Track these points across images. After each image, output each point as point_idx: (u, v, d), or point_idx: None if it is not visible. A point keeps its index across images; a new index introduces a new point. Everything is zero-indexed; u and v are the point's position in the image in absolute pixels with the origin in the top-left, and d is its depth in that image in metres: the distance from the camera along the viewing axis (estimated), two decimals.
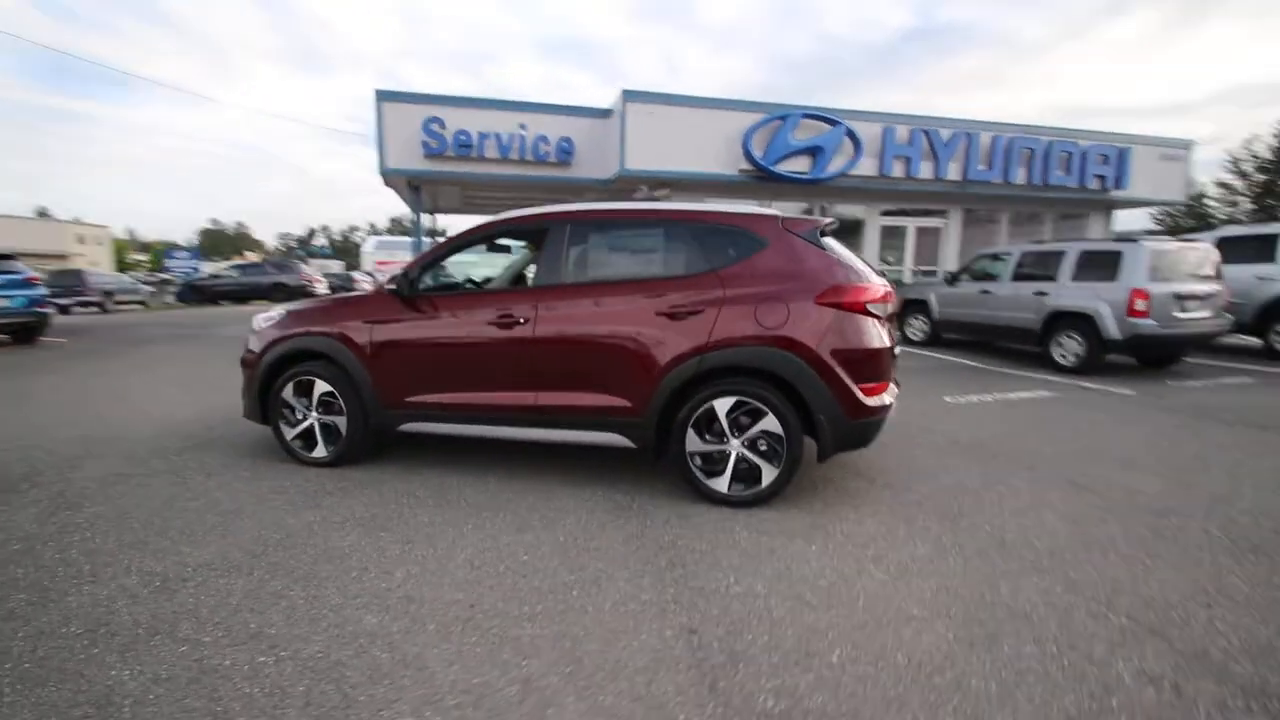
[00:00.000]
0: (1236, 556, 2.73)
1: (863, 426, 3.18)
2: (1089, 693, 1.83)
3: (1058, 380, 7.17)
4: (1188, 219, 32.17)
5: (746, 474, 3.25)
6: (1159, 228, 32.78)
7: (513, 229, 3.88)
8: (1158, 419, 5.34)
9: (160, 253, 49.40)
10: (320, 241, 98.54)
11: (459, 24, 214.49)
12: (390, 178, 12.50)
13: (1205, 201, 34.07)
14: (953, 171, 13.33)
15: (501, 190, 14.08)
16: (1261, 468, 3.99)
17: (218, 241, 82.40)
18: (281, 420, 3.95)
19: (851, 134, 12.48)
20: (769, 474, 3.20)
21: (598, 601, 2.33)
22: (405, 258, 61.06)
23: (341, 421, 3.84)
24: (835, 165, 12.53)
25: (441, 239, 4.57)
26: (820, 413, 3.11)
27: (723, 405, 3.20)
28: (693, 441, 3.28)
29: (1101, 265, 7.60)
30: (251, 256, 54.03)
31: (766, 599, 2.35)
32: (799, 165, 12.44)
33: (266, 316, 4.11)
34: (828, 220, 3.44)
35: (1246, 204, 37.26)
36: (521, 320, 3.47)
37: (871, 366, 3.17)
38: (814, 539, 2.88)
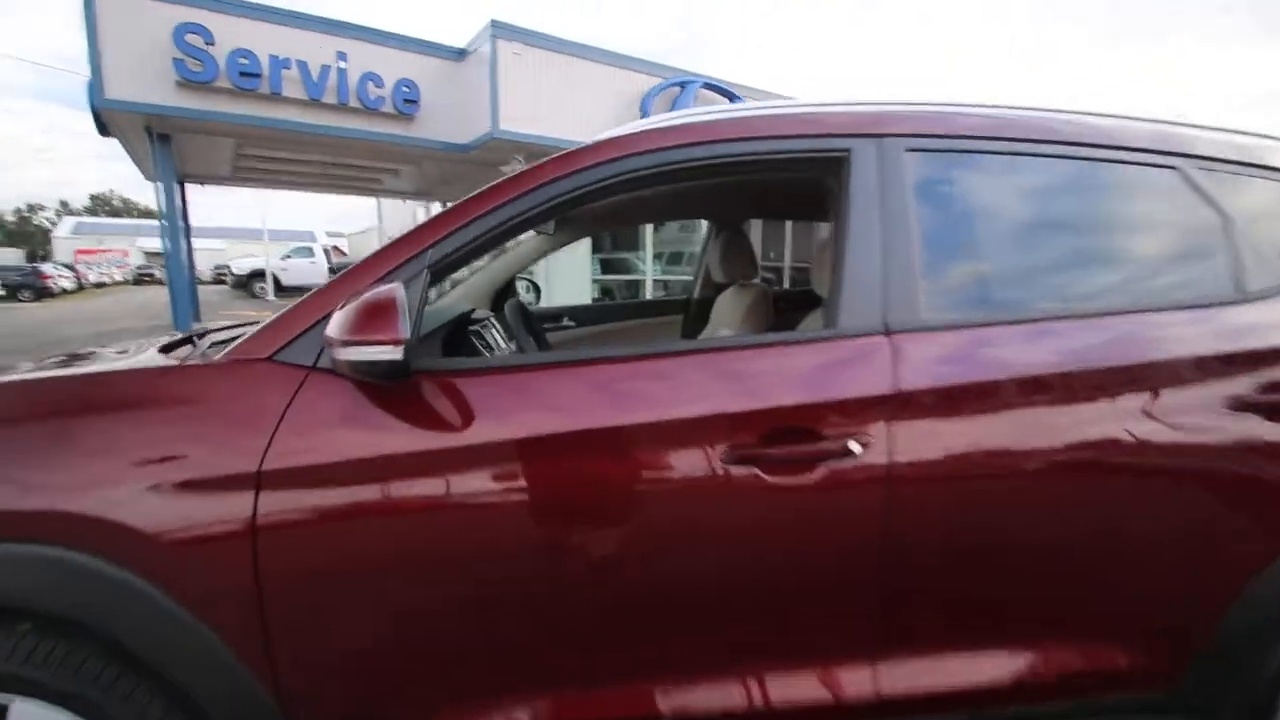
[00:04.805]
0: None
1: None
2: None
3: None
4: None
5: None
6: None
7: (728, 159, 1.16)
8: None
9: None
10: None
11: None
12: (112, 115, 7.93)
13: None
14: None
15: (305, 148, 10.06)
16: None
17: None
18: None
19: None
20: None
21: None
22: (122, 246, 38.57)
23: None
24: None
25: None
26: None
27: None
28: None
29: None
30: None
31: None
32: None
33: None
34: None
35: None
36: (857, 445, 1.06)
37: None
38: None
